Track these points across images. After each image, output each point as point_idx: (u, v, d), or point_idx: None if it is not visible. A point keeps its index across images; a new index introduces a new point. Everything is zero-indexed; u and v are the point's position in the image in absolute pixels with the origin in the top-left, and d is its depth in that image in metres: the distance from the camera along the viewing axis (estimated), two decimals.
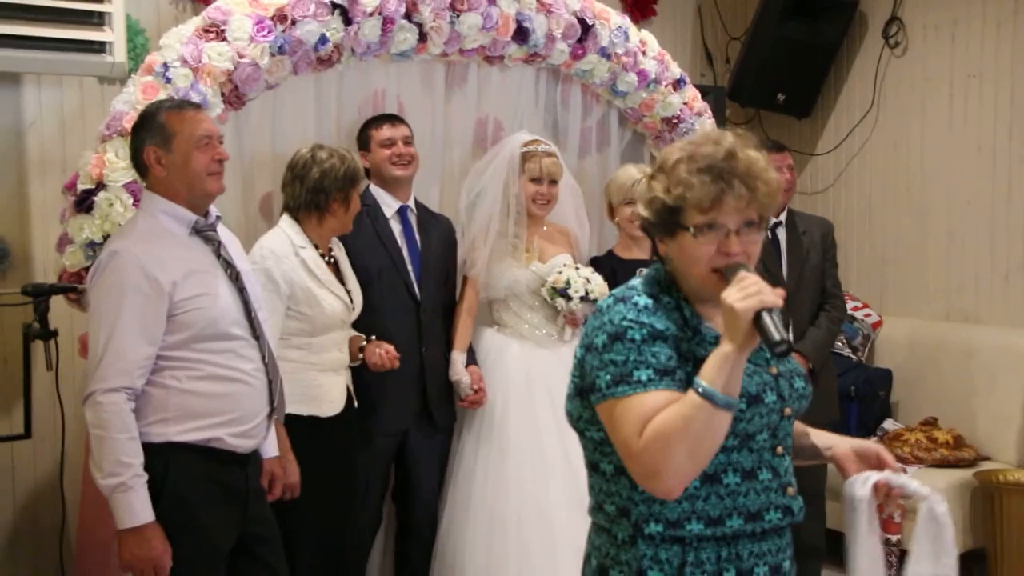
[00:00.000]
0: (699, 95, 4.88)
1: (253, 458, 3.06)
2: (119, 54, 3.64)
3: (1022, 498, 4.39)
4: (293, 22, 3.65)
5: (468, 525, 3.94)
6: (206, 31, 3.56)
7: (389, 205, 4.00)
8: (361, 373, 3.74)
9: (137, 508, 2.75)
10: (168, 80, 3.47)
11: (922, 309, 5.49)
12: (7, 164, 3.97)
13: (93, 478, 2.80)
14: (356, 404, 3.71)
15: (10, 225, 3.98)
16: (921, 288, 5.46)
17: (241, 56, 3.58)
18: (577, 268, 4.16)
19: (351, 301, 3.66)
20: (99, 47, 3.62)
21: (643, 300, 1.99)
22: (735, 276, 1.88)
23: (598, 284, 4.12)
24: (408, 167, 4.01)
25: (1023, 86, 5.03)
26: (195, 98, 3.41)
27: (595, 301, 4.09)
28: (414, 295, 3.98)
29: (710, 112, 4.91)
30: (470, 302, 4.16)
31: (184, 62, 3.50)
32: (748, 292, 1.83)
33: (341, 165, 3.60)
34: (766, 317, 1.82)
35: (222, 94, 3.59)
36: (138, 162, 2.99)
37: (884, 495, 2.05)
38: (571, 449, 3.91)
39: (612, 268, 4.32)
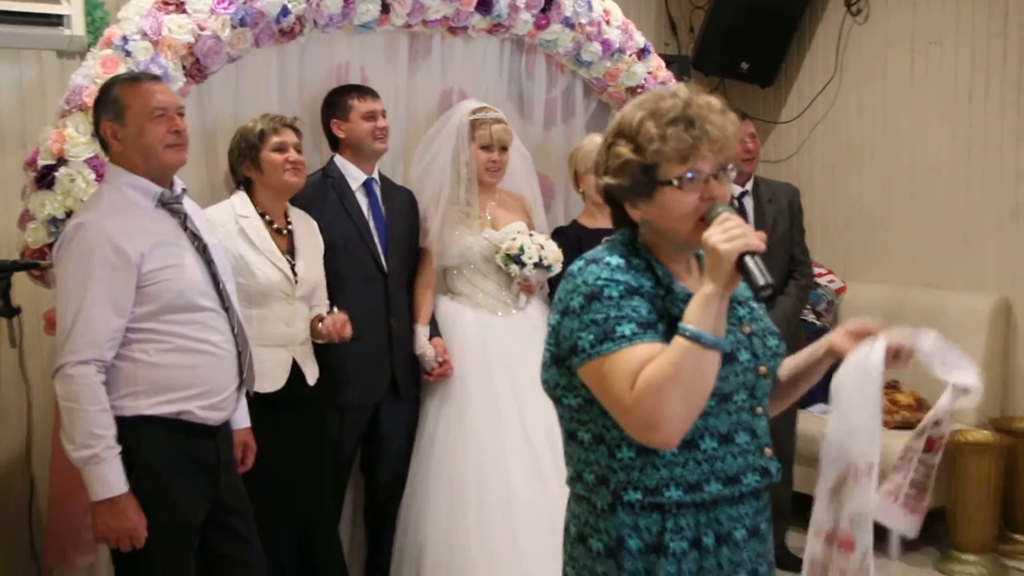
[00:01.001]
0: (663, 64, 4.92)
1: (223, 430, 3.08)
2: (77, 27, 3.63)
3: (980, 458, 4.50)
4: None
5: (429, 490, 3.98)
6: (166, 3, 3.54)
7: (355, 178, 4.01)
8: (332, 347, 3.73)
9: (111, 479, 2.77)
10: (128, 53, 3.45)
11: (885, 274, 5.55)
12: None
13: (65, 451, 2.80)
14: (310, 381, 3.65)
15: None
16: (884, 253, 5.53)
17: (202, 28, 3.56)
18: (531, 235, 4.18)
19: (293, 274, 3.60)
20: (57, 20, 3.60)
21: (615, 260, 1.99)
22: (717, 217, 1.89)
23: (552, 251, 4.15)
24: (387, 141, 4.04)
25: (983, 52, 5.09)
26: (156, 71, 3.39)
27: (549, 267, 4.14)
28: (381, 266, 3.99)
29: (674, 81, 4.93)
30: (427, 275, 4.19)
31: (144, 35, 3.48)
32: (732, 234, 1.83)
33: (235, 140, 3.63)
34: (750, 260, 1.81)
35: (183, 67, 3.57)
36: (98, 137, 3.01)
37: (893, 358, 2.06)
38: (527, 415, 4.01)
39: (578, 237, 4.35)
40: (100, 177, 3.31)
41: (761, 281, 1.80)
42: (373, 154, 4.03)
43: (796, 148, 5.97)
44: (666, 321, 1.95)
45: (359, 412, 3.96)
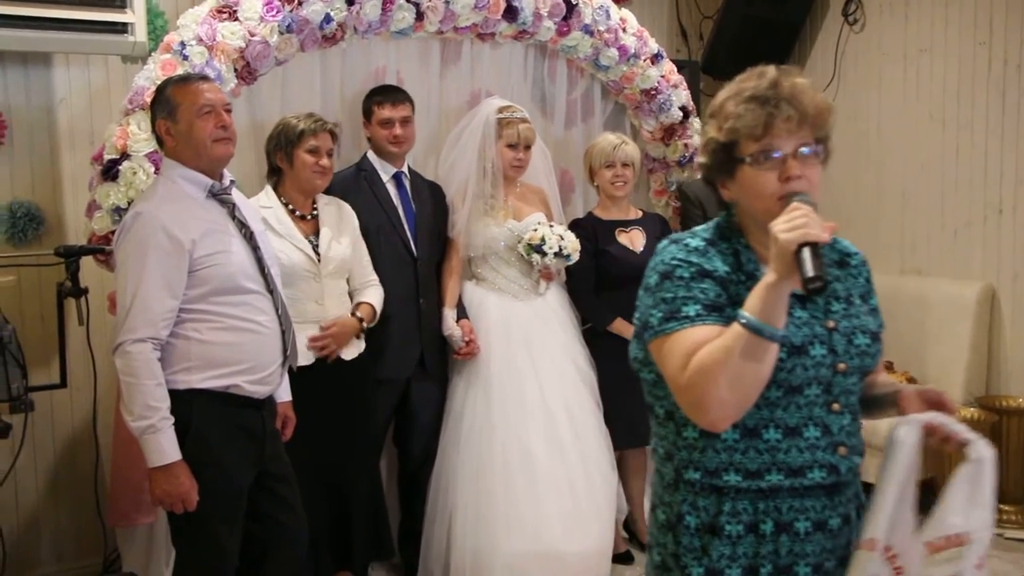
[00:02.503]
0: (675, 69, 4.87)
1: (268, 403, 3.08)
2: (140, 34, 3.63)
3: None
4: (300, 3, 3.65)
5: (459, 463, 3.96)
6: (220, 12, 3.58)
7: (386, 171, 4.00)
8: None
9: (166, 448, 2.77)
10: (185, 57, 3.49)
11: (878, 264, 5.39)
12: (40, 137, 3.97)
13: (125, 422, 2.82)
14: (345, 357, 3.62)
15: (43, 193, 3.98)
16: (878, 245, 5.45)
17: (252, 35, 3.58)
18: (551, 226, 4.14)
19: (315, 253, 3.56)
20: (122, 28, 3.61)
21: (695, 242, 1.87)
22: (789, 206, 1.73)
23: (571, 241, 4.12)
24: (402, 146, 3.99)
25: (969, 60, 5.02)
26: (210, 73, 3.42)
27: (568, 256, 4.10)
28: (411, 251, 3.97)
29: (685, 84, 4.89)
30: (453, 261, 4.15)
31: (200, 41, 3.51)
32: (795, 224, 1.67)
33: (276, 130, 3.60)
34: (805, 252, 1.64)
35: (235, 70, 3.61)
36: (155, 134, 3.02)
37: (936, 439, 1.86)
38: (547, 392, 4.00)
39: (592, 228, 4.33)
40: (158, 170, 3.30)
41: (810, 273, 1.63)
42: (390, 156, 4.00)
43: None
44: (740, 306, 1.77)
45: (391, 386, 3.93)
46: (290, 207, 3.60)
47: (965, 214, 5.06)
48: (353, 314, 3.68)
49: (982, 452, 1.82)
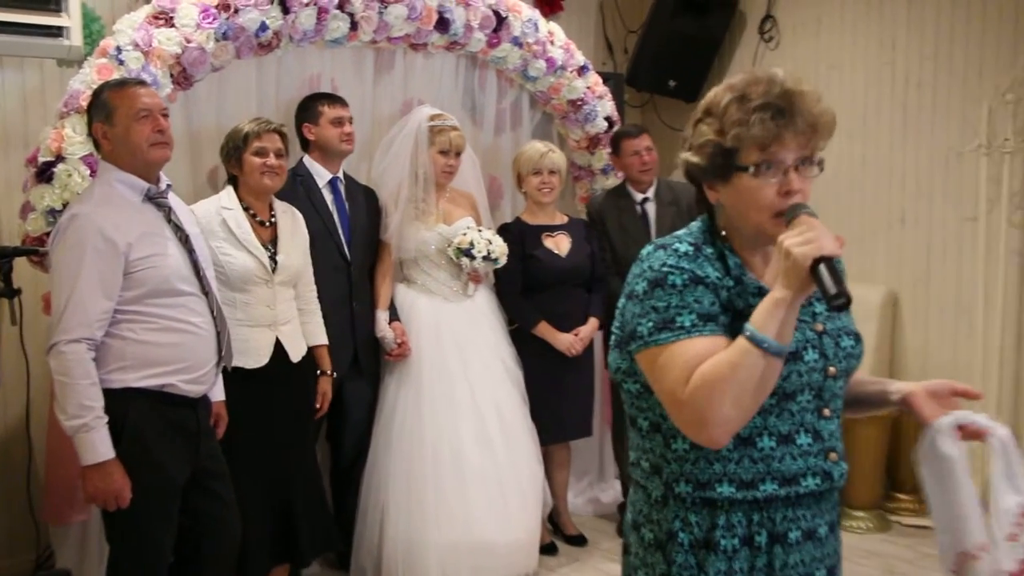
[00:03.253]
0: (600, 81, 4.91)
1: (203, 401, 3.04)
2: (75, 38, 3.54)
3: (870, 427, 4.49)
4: (236, 10, 3.61)
5: (391, 459, 3.94)
6: (156, 18, 3.52)
7: (322, 176, 3.96)
8: None
9: (99, 446, 2.73)
10: (121, 62, 3.43)
11: None
12: None
13: (59, 421, 2.76)
14: (293, 359, 3.55)
15: None
16: None
17: (188, 41, 3.53)
18: (480, 231, 4.14)
19: (272, 262, 3.47)
20: (57, 32, 3.52)
21: (683, 247, 1.73)
22: (796, 219, 1.62)
23: (499, 245, 4.12)
24: (353, 144, 3.99)
25: (875, 77, 5.12)
26: (147, 79, 3.34)
27: (495, 260, 4.11)
28: (345, 256, 3.95)
29: (610, 96, 4.93)
30: (386, 264, 4.13)
31: (136, 46, 3.46)
32: (807, 238, 1.56)
33: (227, 138, 3.52)
34: (823, 267, 1.54)
35: (171, 75, 3.55)
36: (91, 137, 2.96)
37: (967, 436, 1.79)
38: (477, 391, 4.02)
39: (520, 232, 4.35)
40: (94, 173, 3.26)
41: (833, 290, 1.53)
42: (339, 155, 3.97)
43: None
44: (731, 314, 1.69)
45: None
46: (250, 211, 3.51)
47: (871, 222, 5.16)
48: (323, 373, 3.71)
49: (1000, 433, 1.78)
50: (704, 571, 1.73)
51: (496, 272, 4.26)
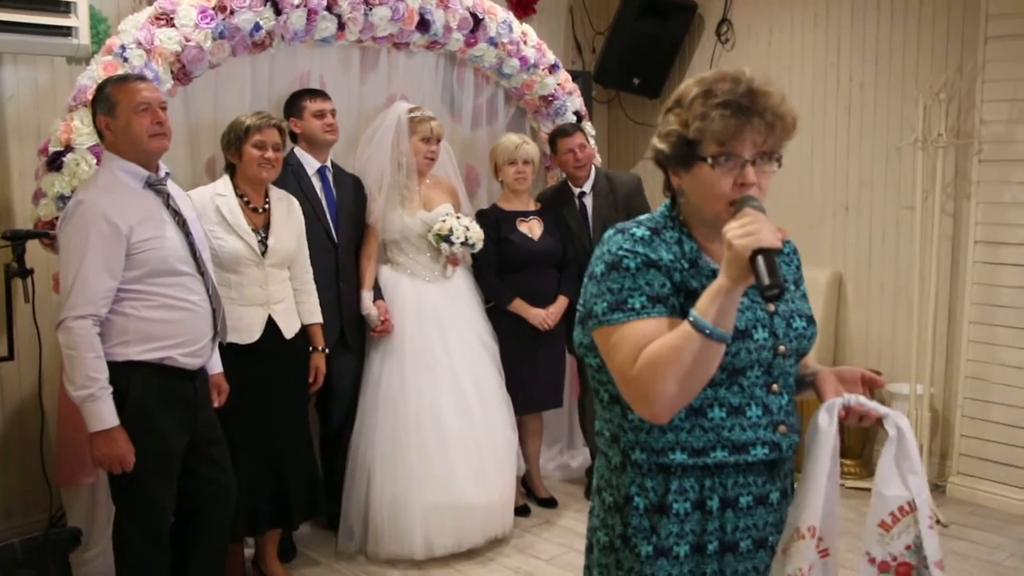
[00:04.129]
0: (570, 78, 4.90)
1: (200, 373, 3.04)
2: (84, 37, 3.53)
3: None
4: (232, 12, 3.58)
5: (376, 426, 3.94)
6: (158, 18, 3.49)
7: (311, 165, 3.94)
8: None
9: (105, 414, 2.73)
10: (125, 60, 3.40)
11: None
12: None
13: (67, 391, 2.76)
14: (287, 335, 3.53)
15: None
16: None
17: (187, 40, 3.50)
18: (458, 217, 4.13)
19: (262, 246, 3.44)
20: (66, 31, 3.50)
21: (640, 231, 1.70)
22: (742, 211, 1.59)
23: (476, 231, 4.12)
24: (336, 134, 3.96)
25: (821, 78, 5.15)
26: (148, 75, 3.32)
27: (472, 245, 4.11)
28: (332, 239, 3.94)
29: (579, 92, 4.92)
30: (371, 247, 4.12)
31: (139, 44, 3.43)
32: (747, 230, 1.53)
33: (229, 129, 3.47)
34: (760, 259, 1.50)
35: (171, 72, 3.52)
36: (96, 129, 2.94)
37: (854, 419, 1.75)
38: (455, 362, 4.01)
39: (496, 217, 4.34)
40: (100, 162, 3.22)
41: (766, 281, 1.49)
42: (324, 144, 3.95)
43: None
44: (684, 294, 1.67)
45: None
46: (245, 199, 3.48)
47: (818, 210, 5.20)
48: (315, 349, 3.69)
49: (899, 423, 1.72)
50: (656, 533, 1.72)
51: (473, 254, 4.26)
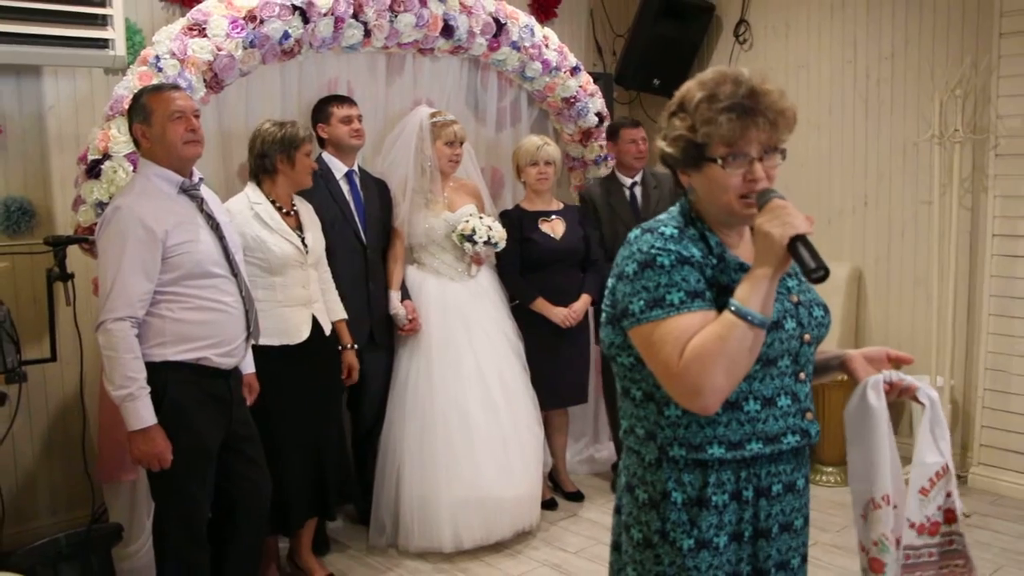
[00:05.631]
0: (591, 80, 4.88)
1: (234, 373, 3.04)
2: (120, 49, 3.56)
3: (838, 391, 4.49)
4: (261, 21, 3.59)
5: (405, 423, 3.94)
6: (190, 29, 3.51)
7: (339, 169, 3.95)
8: None
9: (143, 413, 2.74)
10: (160, 70, 3.42)
11: None
12: (32, 140, 3.87)
13: (107, 391, 2.78)
14: (327, 332, 3.57)
15: (35, 190, 3.88)
16: None
17: (219, 49, 3.52)
18: (481, 218, 4.12)
19: (304, 246, 3.47)
20: (103, 44, 3.54)
21: (669, 230, 1.70)
22: (768, 203, 1.62)
23: (498, 231, 4.11)
24: (362, 139, 3.96)
25: (838, 75, 5.10)
26: (182, 84, 3.35)
27: (495, 244, 4.09)
28: (361, 240, 3.94)
29: (600, 94, 4.90)
30: (398, 249, 4.11)
31: (172, 55, 3.45)
32: (783, 220, 1.57)
33: (279, 131, 3.45)
34: (800, 245, 1.56)
35: (204, 80, 3.54)
36: (132, 137, 2.95)
37: (895, 393, 1.80)
38: (481, 360, 3.99)
39: (519, 217, 4.34)
40: (136, 169, 3.24)
41: (812, 264, 1.54)
42: (350, 150, 3.95)
43: None
44: (716, 289, 1.67)
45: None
46: (276, 204, 3.48)
47: (837, 205, 5.15)
48: (345, 347, 3.73)
49: (930, 393, 1.79)
50: (697, 526, 1.72)
51: (497, 254, 4.25)
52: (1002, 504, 4.37)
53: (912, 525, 1.76)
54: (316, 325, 3.52)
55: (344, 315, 3.73)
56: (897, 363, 1.85)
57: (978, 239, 4.55)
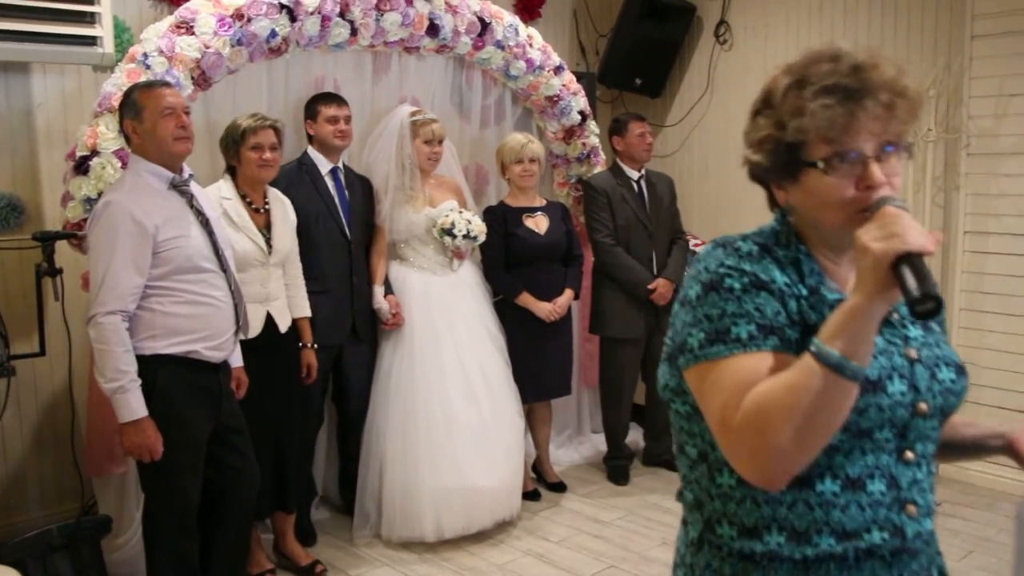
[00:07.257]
0: (575, 79, 4.90)
1: (223, 366, 3.06)
2: (108, 46, 3.55)
3: None
4: (249, 19, 3.59)
5: (388, 416, 3.96)
6: (178, 27, 3.51)
7: (324, 165, 3.95)
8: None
9: (134, 405, 2.75)
10: (148, 67, 3.42)
11: None
12: (20, 137, 3.86)
13: (98, 384, 2.79)
14: (282, 330, 3.51)
15: (23, 186, 3.87)
16: (744, 228, 5.58)
17: (207, 47, 3.52)
18: (461, 212, 4.14)
19: (268, 246, 3.43)
20: (92, 41, 3.52)
21: (747, 246, 1.30)
22: (878, 212, 1.18)
23: (478, 225, 4.14)
24: (346, 140, 3.97)
25: None
26: (170, 81, 3.34)
27: (475, 238, 4.12)
28: (345, 235, 3.94)
29: (583, 92, 4.93)
30: (381, 245, 4.13)
31: (160, 52, 3.45)
32: (889, 231, 1.13)
33: (227, 132, 3.46)
34: (905, 266, 1.11)
35: (192, 78, 3.54)
36: (123, 133, 2.96)
37: None
38: (463, 353, 4.02)
39: (503, 213, 4.37)
40: (125, 165, 3.26)
41: (917, 293, 1.09)
42: (335, 149, 3.96)
43: (678, 147, 5.98)
44: (801, 328, 1.25)
45: (327, 351, 3.87)
46: (247, 200, 3.48)
47: None
48: (304, 346, 3.66)
49: None
50: None
51: (482, 249, 4.28)
52: (972, 493, 4.45)
53: None
54: (271, 322, 3.47)
55: (308, 313, 3.69)
56: None
57: (950, 236, 4.62)
